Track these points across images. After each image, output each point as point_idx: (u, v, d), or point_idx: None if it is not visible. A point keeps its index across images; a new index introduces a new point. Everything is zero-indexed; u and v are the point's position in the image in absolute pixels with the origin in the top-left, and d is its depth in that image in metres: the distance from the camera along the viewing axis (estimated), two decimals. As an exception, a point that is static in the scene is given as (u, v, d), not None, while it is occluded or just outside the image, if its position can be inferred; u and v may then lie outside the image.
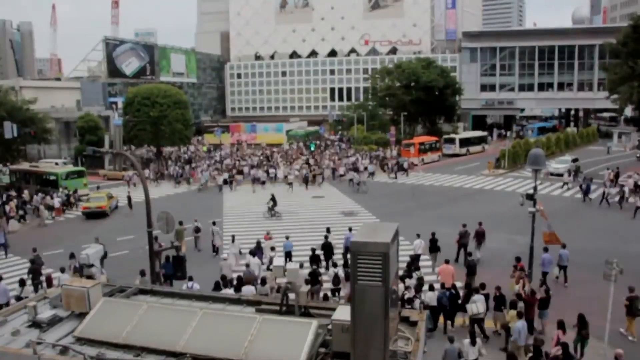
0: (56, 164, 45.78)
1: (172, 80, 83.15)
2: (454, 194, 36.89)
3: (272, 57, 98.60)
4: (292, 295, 7.87)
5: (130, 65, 79.99)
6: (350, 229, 22.83)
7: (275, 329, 6.90)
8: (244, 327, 6.95)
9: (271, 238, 22.04)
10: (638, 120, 68.62)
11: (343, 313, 6.56)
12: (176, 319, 7.35)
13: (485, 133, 66.99)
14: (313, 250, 20.16)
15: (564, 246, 19.34)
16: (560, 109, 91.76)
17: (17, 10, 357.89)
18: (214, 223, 24.64)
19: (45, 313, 7.98)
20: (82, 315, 7.80)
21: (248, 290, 15.33)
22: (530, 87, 79.06)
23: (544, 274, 18.81)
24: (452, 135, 61.13)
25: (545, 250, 18.98)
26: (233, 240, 22.30)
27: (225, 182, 42.59)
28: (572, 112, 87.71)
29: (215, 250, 23.93)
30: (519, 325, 13.79)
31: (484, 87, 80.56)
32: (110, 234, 27.53)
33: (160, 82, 69.60)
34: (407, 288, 15.53)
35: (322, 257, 20.61)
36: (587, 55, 75.49)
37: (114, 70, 77.75)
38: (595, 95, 73.74)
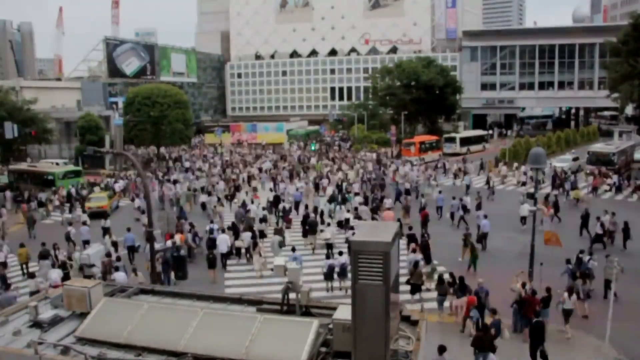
0: (57, 164, 45.94)
1: (173, 80, 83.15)
2: (455, 193, 36.68)
3: (272, 56, 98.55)
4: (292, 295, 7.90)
5: (130, 65, 79.99)
6: (297, 189, 32.68)
7: (276, 329, 6.91)
8: (245, 326, 6.95)
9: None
10: (639, 118, 68.55)
11: (344, 312, 6.57)
12: (177, 318, 7.35)
13: (485, 132, 66.94)
14: (268, 199, 30.92)
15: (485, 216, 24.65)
16: (560, 108, 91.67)
17: (16, 10, 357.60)
18: (209, 194, 33.51)
19: (47, 313, 7.99)
20: (83, 315, 7.81)
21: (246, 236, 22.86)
22: (530, 86, 78.98)
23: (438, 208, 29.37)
24: (453, 134, 61.07)
25: (485, 217, 24.52)
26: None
27: (203, 207, 31.58)
28: (573, 111, 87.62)
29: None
30: (412, 256, 18.95)
31: (484, 86, 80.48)
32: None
33: (160, 82, 69.61)
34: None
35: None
36: (588, 53, 75.39)
37: (114, 70, 77.77)
38: (595, 93, 73.64)
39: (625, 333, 14.88)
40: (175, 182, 39.71)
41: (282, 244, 21.62)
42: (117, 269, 18.59)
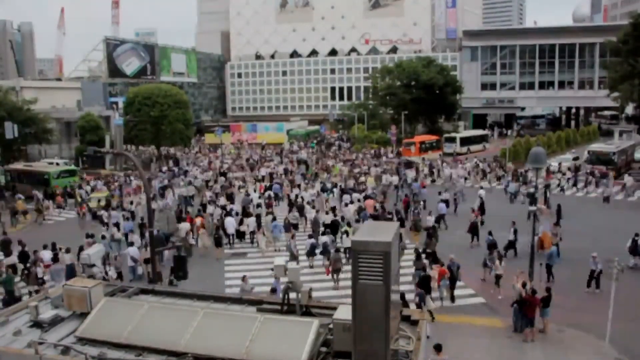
0: (57, 164, 46.03)
1: (173, 80, 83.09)
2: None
3: (272, 56, 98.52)
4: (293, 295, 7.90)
5: (130, 65, 79.95)
6: (280, 185, 36.77)
7: (276, 329, 6.91)
8: (245, 326, 6.95)
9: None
10: (639, 118, 68.59)
11: (344, 312, 6.57)
12: (177, 318, 7.35)
13: (486, 132, 66.88)
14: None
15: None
16: (560, 108, 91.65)
17: (16, 10, 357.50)
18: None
19: (47, 313, 7.98)
20: (83, 315, 7.80)
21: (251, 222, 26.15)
22: (530, 86, 78.93)
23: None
24: (453, 134, 61.06)
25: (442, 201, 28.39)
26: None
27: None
28: (573, 111, 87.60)
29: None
30: None
31: (484, 86, 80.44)
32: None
33: (160, 82, 69.63)
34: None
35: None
36: (588, 53, 75.35)
37: (114, 70, 77.73)
38: (596, 93, 73.59)
39: (625, 333, 14.89)
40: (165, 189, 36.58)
41: (273, 220, 25.55)
42: (131, 244, 22.86)
